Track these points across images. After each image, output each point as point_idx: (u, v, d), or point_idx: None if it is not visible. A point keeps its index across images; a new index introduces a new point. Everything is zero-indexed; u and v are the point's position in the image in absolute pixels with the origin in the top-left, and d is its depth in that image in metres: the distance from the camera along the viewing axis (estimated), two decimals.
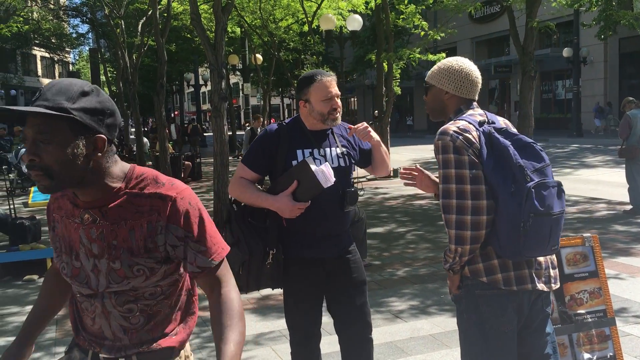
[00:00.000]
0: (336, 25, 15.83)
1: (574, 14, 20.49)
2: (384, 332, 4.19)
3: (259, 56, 22.07)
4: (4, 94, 36.97)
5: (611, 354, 2.90)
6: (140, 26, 15.97)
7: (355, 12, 15.06)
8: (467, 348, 2.22)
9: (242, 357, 3.89)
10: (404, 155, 19.32)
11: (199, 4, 9.32)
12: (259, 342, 4.14)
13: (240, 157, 21.80)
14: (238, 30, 19.04)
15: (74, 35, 35.53)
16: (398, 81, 13.74)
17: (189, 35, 21.13)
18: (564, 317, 2.88)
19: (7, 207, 8.10)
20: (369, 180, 12.09)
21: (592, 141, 21.23)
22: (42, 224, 6.95)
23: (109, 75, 29.90)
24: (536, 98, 23.41)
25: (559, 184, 2.08)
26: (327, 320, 2.84)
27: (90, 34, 35.33)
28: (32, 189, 12.62)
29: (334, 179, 2.48)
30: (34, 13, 29.88)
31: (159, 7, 12.84)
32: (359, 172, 2.93)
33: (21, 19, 27.20)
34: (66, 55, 46.15)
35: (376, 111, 12.09)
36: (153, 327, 1.56)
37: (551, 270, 2.22)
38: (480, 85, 2.30)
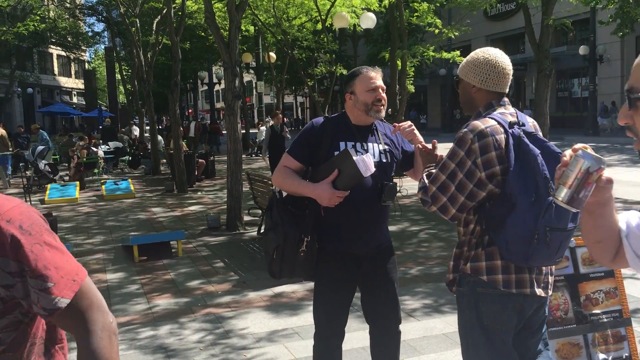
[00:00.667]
0: (350, 23, 15.79)
1: (590, 11, 20.26)
2: None
3: (272, 54, 22.10)
4: (20, 92, 37.44)
5: (627, 354, 2.87)
6: (155, 25, 16.06)
7: (368, 10, 14.99)
8: (468, 344, 2.24)
9: (255, 354, 3.90)
10: None
11: (213, 2, 9.35)
12: (272, 339, 4.15)
13: (253, 156, 21.86)
14: (252, 28, 19.05)
15: (90, 34, 35.94)
16: (412, 79, 13.65)
17: (203, 33, 21.18)
18: (579, 317, 2.86)
19: None
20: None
21: (608, 140, 20.99)
22: (59, 220, 7.02)
23: (124, 73, 30.15)
24: (552, 96, 23.17)
25: None
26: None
27: (105, 32, 35.67)
28: (49, 186, 12.78)
29: (374, 169, 2.51)
30: (51, 12, 30.22)
31: (174, 5, 12.91)
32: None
33: (38, 17, 27.50)
34: (82, 53, 46.68)
35: (389, 109, 12.02)
36: None
37: (549, 277, 2.23)
38: (510, 77, 2.22)
